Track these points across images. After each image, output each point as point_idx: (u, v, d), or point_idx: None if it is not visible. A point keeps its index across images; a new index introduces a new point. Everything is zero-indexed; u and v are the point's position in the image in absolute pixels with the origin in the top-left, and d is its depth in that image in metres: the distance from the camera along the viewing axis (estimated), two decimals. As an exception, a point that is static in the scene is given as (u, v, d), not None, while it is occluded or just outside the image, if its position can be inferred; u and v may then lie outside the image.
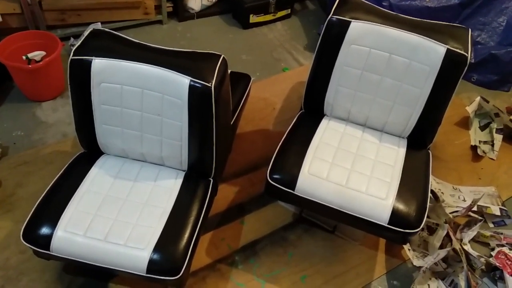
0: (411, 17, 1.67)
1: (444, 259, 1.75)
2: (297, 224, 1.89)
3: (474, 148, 2.32)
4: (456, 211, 1.91)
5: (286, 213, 1.92)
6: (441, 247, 1.78)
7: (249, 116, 2.33)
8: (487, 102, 2.42)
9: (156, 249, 1.35)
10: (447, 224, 1.79)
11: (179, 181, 1.54)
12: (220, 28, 3.00)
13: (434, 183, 2.07)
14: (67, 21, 2.62)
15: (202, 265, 1.71)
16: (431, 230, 1.85)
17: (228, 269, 1.72)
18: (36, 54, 2.22)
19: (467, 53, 1.53)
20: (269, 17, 3.04)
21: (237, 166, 2.08)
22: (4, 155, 2.02)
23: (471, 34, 1.61)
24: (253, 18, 2.97)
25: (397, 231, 1.47)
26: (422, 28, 1.59)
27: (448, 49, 1.52)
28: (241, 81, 2.11)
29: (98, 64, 1.38)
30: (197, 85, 1.35)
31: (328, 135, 1.70)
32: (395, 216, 1.47)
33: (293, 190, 1.55)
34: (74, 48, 1.39)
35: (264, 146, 2.19)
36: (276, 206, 1.94)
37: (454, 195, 2.04)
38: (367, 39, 1.58)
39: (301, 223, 1.89)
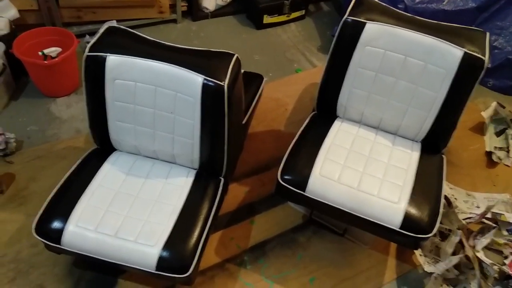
0: (427, 19, 1.65)
1: (456, 266, 1.72)
2: (307, 226, 1.87)
3: (489, 154, 2.28)
4: (470, 218, 1.88)
5: (296, 215, 1.91)
6: (454, 253, 1.75)
7: (261, 116, 2.32)
8: (503, 107, 2.38)
9: (166, 246, 1.35)
10: (460, 231, 1.76)
11: (190, 179, 1.54)
12: (233, 28, 3.00)
13: (447, 189, 2.04)
14: (83, 19, 2.65)
15: (211, 264, 1.71)
16: (444, 236, 1.82)
17: (236, 268, 1.71)
18: (52, 50, 2.25)
19: (484, 57, 1.50)
20: (283, 18, 3.03)
21: (247, 166, 2.08)
22: (18, 149, 2.05)
23: (489, 38, 1.58)
24: (267, 19, 2.97)
25: (409, 236, 1.45)
26: (439, 30, 1.57)
27: (465, 52, 1.50)
28: (253, 81, 2.11)
29: (113, 60, 1.39)
30: (210, 83, 1.35)
31: (340, 137, 1.68)
32: (407, 220, 1.45)
33: (304, 191, 1.54)
34: (89, 44, 1.40)
35: (275, 147, 2.18)
36: (286, 207, 1.93)
37: (468, 202, 2.00)
38: (382, 41, 1.56)
39: (311, 225, 1.88)
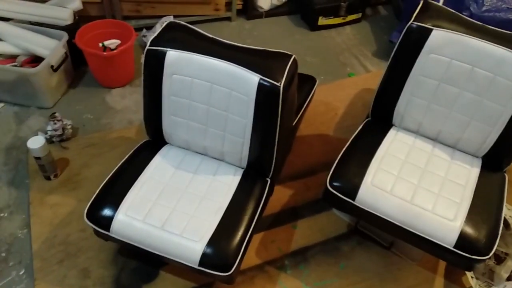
0: (498, 29, 1.55)
1: (511, 293, 1.61)
2: (351, 236, 1.82)
3: (553, 175, 2.12)
4: (529, 242, 1.75)
5: (340, 223, 1.86)
6: (509, 279, 1.64)
7: (310, 119, 2.29)
8: None
9: (210, 243, 1.35)
10: (518, 255, 1.65)
11: (237, 178, 1.54)
12: (287, 29, 2.97)
13: (505, 209, 1.91)
14: (142, 13, 2.72)
15: (251, 265, 1.70)
16: (499, 259, 1.71)
17: (276, 272, 1.69)
18: (112, 42, 2.32)
19: (561, 72, 1.39)
20: (338, 20, 2.97)
21: (293, 168, 2.05)
22: (74, 135, 2.13)
23: None
24: (321, 20, 2.92)
25: (464, 256, 1.37)
26: (511, 40, 1.47)
27: (541, 65, 1.39)
28: (306, 83, 2.08)
29: (172, 55, 1.40)
30: (266, 83, 1.33)
31: (395, 146, 1.62)
32: (463, 239, 1.37)
33: (353, 200, 1.49)
34: (151, 38, 1.43)
35: (322, 151, 2.14)
36: (331, 214, 1.88)
37: (527, 225, 1.87)
38: (448, 49, 1.48)
39: (356, 235, 1.82)
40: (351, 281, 1.68)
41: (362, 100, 2.43)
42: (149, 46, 1.41)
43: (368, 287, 1.66)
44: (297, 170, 2.05)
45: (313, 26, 2.95)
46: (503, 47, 1.44)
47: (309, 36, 2.93)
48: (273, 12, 3.04)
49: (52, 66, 2.17)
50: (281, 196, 1.94)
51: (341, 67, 2.69)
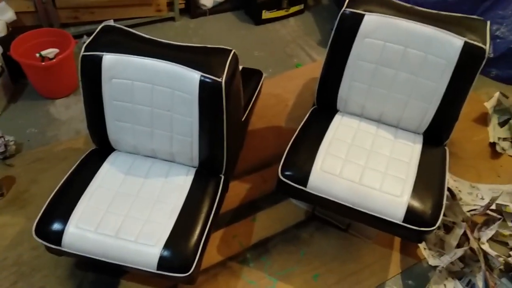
0: (427, 9, 1.62)
1: (461, 259, 1.70)
2: (310, 222, 1.86)
3: (493, 145, 2.26)
4: (474, 210, 1.86)
5: (298, 211, 1.89)
6: (458, 246, 1.73)
7: (261, 113, 2.31)
8: (507, 97, 2.35)
9: (167, 245, 1.33)
10: (464, 223, 1.74)
11: (190, 178, 1.53)
12: (232, 25, 2.98)
13: (451, 181, 2.01)
14: (80, 19, 2.64)
15: (213, 262, 1.70)
16: (448, 228, 1.80)
17: (239, 266, 1.70)
18: (50, 52, 2.24)
19: (485, 46, 1.48)
20: (281, 13, 3.01)
21: (248, 163, 2.06)
22: (18, 152, 2.04)
23: (489, 27, 1.55)
24: (265, 14, 2.95)
25: (412, 229, 1.43)
26: (438, 20, 1.55)
27: (465, 41, 1.47)
28: (253, 77, 2.09)
29: (109, 59, 1.37)
30: (208, 80, 1.33)
31: (341, 131, 1.66)
32: (410, 213, 1.43)
33: (305, 187, 1.52)
34: (85, 44, 1.39)
35: (276, 143, 2.17)
36: (288, 204, 1.92)
37: (472, 193, 1.98)
38: (381, 32, 1.54)
39: (314, 221, 1.86)
40: (312, 266, 1.72)
41: (310, 89, 2.47)
42: (84, 52, 1.38)
43: (329, 270, 1.71)
44: (252, 164, 2.07)
45: (258, 20, 2.96)
46: (431, 26, 1.51)
47: (254, 30, 2.94)
48: (217, 9, 3.03)
49: (-13, 82, 2.07)
50: (238, 191, 1.95)
51: (288, 58, 2.73)
